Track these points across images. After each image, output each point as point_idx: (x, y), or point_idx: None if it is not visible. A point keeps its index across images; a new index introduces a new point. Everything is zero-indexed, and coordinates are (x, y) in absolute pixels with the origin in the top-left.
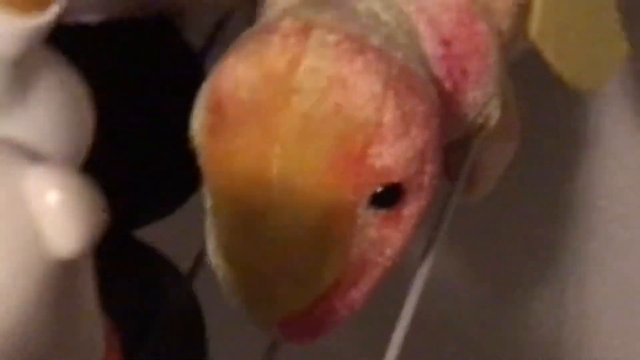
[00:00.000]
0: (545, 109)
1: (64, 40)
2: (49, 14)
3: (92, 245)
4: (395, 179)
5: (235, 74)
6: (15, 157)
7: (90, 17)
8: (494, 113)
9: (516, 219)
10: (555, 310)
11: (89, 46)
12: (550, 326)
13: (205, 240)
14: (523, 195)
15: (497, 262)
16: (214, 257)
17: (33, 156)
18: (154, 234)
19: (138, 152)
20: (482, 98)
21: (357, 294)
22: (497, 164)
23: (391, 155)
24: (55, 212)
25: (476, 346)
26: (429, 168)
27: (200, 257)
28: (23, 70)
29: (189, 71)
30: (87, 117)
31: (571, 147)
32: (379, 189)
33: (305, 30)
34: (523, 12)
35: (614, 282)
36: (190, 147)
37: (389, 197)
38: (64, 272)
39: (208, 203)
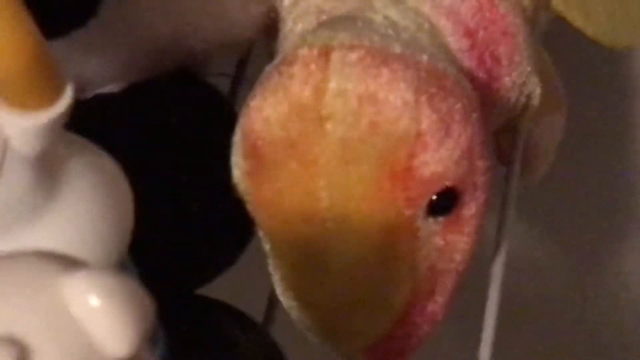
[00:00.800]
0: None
1: (91, 115)
2: (61, 106)
3: (145, 340)
4: (447, 183)
5: (264, 114)
6: (51, 267)
7: (111, 87)
8: (535, 90)
9: (584, 184)
10: None
11: (115, 116)
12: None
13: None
14: (585, 160)
15: (576, 230)
16: (283, 298)
17: (68, 263)
18: (222, 288)
19: (187, 211)
20: (519, 78)
21: (436, 306)
22: (550, 138)
23: (438, 161)
24: (99, 317)
25: (569, 317)
26: (480, 164)
27: (272, 302)
28: (48, 166)
29: (222, 118)
30: (125, 197)
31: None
32: (434, 197)
33: (325, 53)
34: None
35: None
36: (236, 195)
37: (445, 202)
38: None
39: (266, 246)
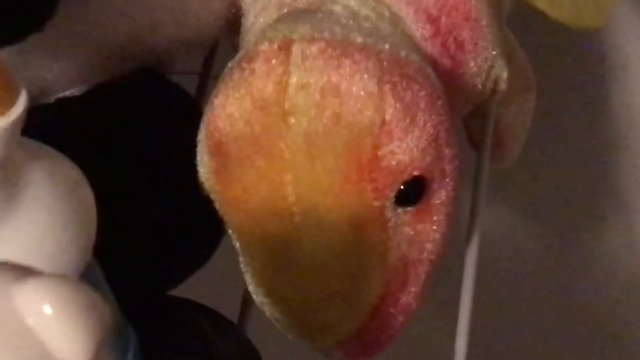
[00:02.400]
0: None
1: (53, 120)
2: (14, 113)
3: (102, 347)
4: (415, 172)
5: (227, 111)
6: (3, 276)
7: (73, 90)
8: (502, 74)
9: (553, 163)
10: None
11: (78, 119)
12: (621, 256)
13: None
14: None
15: (551, 211)
16: (256, 296)
17: (21, 272)
18: (196, 289)
19: (155, 212)
20: (485, 63)
21: (409, 296)
22: (521, 121)
23: (404, 150)
24: (53, 325)
25: (546, 298)
26: (448, 151)
27: (247, 300)
28: (6, 173)
29: (188, 117)
30: (87, 202)
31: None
32: (402, 187)
33: (285, 47)
34: None
35: None
36: (203, 194)
37: (414, 192)
38: None
39: (236, 244)
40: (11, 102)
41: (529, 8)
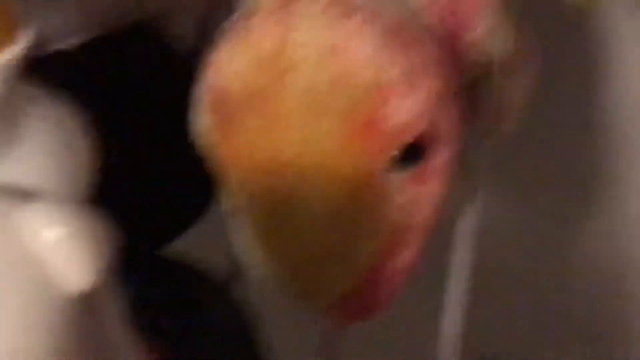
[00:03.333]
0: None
1: (51, 69)
2: (14, 50)
3: (104, 276)
4: (414, 134)
5: (226, 69)
6: (6, 199)
7: (70, 41)
8: (502, 46)
9: (550, 145)
10: (617, 226)
11: (75, 70)
12: (612, 241)
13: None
14: (553, 121)
15: (544, 194)
16: (250, 255)
17: (26, 196)
18: (183, 248)
19: (145, 170)
20: (482, 35)
21: (406, 258)
22: (521, 93)
23: (403, 112)
24: (57, 249)
25: (537, 280)
26: (446, 115)
27: (235, 263)
28: (5, 110)
29: (181, 75)
30: (84, 148)
31: (591, 66)
32: (401, 148)
33: (287, 4)
34: None
35: None
36: (198, 153)
37: (412, 154)
38: (80, 306)
39: (230, 204)
40: (11, 40)
41: None
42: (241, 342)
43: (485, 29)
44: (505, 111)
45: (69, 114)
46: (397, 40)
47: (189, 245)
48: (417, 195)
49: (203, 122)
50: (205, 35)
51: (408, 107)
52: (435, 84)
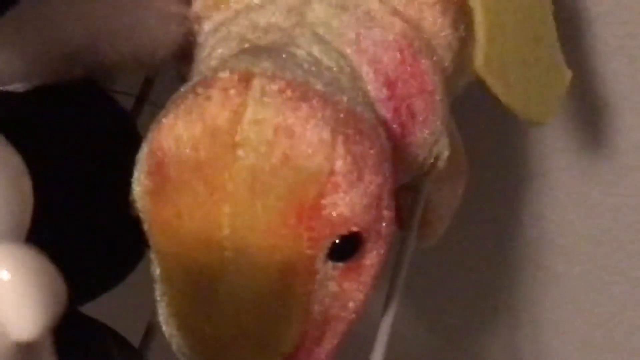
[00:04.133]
0: (486, 143)
1: None
2: None
3: (52, 326)
4: (353, 228)
5: (175, 133)
6: None
7: (15, 86)
8: (444, 152)
9: (462, 260)
10: (510, 353)
11: (16, 114)
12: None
13: (154, 310)
14: (469, 235)
15: (449, 309)
16: (166, 326)
17: None
18: (100, 308)
19: (75, 223)
20: (431, 137)
21: (322, 353)
22: (450, 203)
23: (347, 204)
24: (8, 293)
25: None
26: (386, 214)
27: (151, 328)
28: None
29: (124, 133)
30: (26, 189)
31: (517, 181)
32: (337, 240)
33: (245, 80)
34: (464, 46)
35: (568, 319)
36: (132, 213)
37: (348, 247)
38: (22, 356)
39: (156, 270)
40: None
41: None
42: None
43: (437, 131)
44: (433, 218)
45: (11, 152)
46: (351, 130)
47: (106, 304)
48: (347, 289)
49: (141, 183)
50: (148, 95)
51: (352, 200)
52: (381, 179)
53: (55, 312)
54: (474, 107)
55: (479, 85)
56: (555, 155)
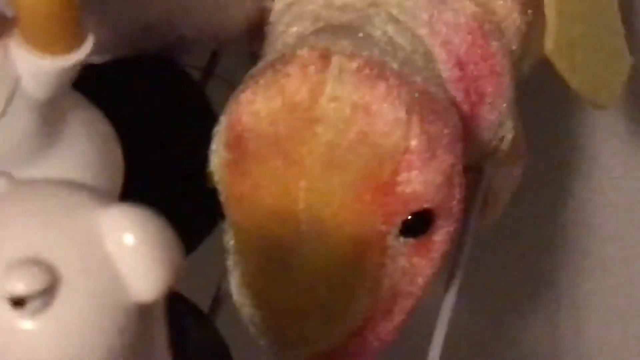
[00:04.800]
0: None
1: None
2: (79, 55)
3: (171, 286)
4: (425, 205)
5: (254, 107)
6: (85, 198)
7: (96, 58)
8: (508, 134)
9: (507, 243)
10: (551, 332)
11: (99, 85)
12: (546, 348)
13: (222, 279)
14: (515, 219)
15: (492, 287)
16: (238, 296)
17: (102, 196)
18: None
19: (151, 191)
20: (498, 119)
21: (390, 326)
22: (509, 185)
23: (420, 182)
24: (133, 255)
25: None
26: (457, 192)
27: (219, 297)
28: (53, 112)
29: (197, 105)
30: (117, 154)
31: (563, 165)
32: (410, 217)
33: (324, 57)
34: (531, 30)
35: (611, 304)
36: (207, 184)
37: (419, 224)
38: (138, 317)
39: (231, 240)
40: (77, 44)
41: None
42: None
43: (504, 113)
44: (492, 199)
45: (103, 120)
46: (425, 109)
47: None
48: (417, 265)
49: (219, 155)
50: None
51: (426, 177)
52: (454, 158)
53: (175, 273)
54: (528, 90)
55: (542, 68)
56: (604, 140)
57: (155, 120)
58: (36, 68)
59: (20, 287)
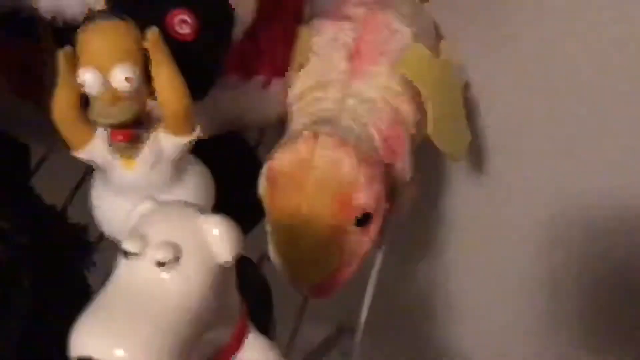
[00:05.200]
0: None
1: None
2: (193, 136)
3: (237, 255)
4: (367, 210)
5: (281, 160)
6: (192, 209)
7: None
8: (408, 174)
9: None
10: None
11: (202, 150)
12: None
13: (264, 246)
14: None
15: (401, 252)
16: (273, 256)
17: (200, 208)
18: None
19: (231, 206)
20: (403, 166)
21: (350, 270)
22: (408, 200)
23: (365, 199)
24: (218, 239)
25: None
26: (382, 205)
27: (262, 257)
28: (179, 164)
29: (253, 160)
30: (211, 186)
31: (435, 185)
32: (359, 217)
33: (315, 136)
34: (421, 121)
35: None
36: (258, 199)
37: (364, 220)
38: (223, 271)
39: (268, 227)
40: (192, 130)
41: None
42: (265, 301)
43: (406, 164)
44: (402, 206)
45: (204, 168)
46: (366, 162)
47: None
48: (362, 241)
49: (263, 186)
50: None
51: (368, 197)
52: (381, 186)
53: (240, 248)
54: (419, 151)
55: (426, 141)
56: (454, 171)
57: (232, 167)
58: (172, 143)
59: (161, 255)
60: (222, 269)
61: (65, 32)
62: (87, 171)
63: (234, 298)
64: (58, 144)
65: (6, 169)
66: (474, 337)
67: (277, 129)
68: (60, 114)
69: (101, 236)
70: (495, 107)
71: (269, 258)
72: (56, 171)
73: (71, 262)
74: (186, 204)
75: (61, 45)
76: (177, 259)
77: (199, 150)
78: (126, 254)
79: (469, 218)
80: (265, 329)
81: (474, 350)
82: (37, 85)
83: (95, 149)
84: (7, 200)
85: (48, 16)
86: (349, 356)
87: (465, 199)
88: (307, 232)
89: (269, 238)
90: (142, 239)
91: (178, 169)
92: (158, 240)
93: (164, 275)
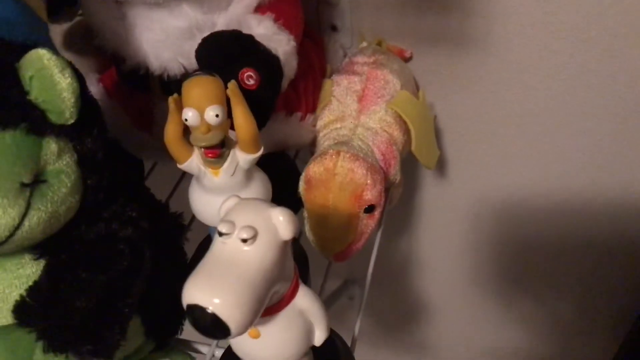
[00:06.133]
0: (406, 176)
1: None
2: (259, 153)
3: (297, 235)
4: (373, 202)
5: (314, 169)
6: (266, 204)
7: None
8: (398, 178)
9: (397, 210)
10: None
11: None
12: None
13: (302, 226)
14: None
15: (395, 231)
16: (308, 233)
17: (270, 204)
18: None
19: (281, 200)
20: (395, 173)
21: (361, 243)
22: (397, 195)
23: (371, 195)
24: (282, 224)
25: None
26: (383, 199)
27: (300, 233)
28: (249, 173)
29: (294, 168)
30: (269, 187)
31: (414, 181)
32: (367, 206)
33: (337, 153)
34: (407, 140)
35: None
36: (298, 195)
37: (370, 209)
38: (284, 245)
39: (305, 213)
40: (258, 149)
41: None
42: (304, 264)
43: (397, 171)
44: (393, 199)
45: (264, 174)
46: (372, 170)
47: None
48: (369, 223)
49: (301, 186)
50: (297, 155)
51: (373, 194)
52: (381, 187)
53: (298, 229)
54: (404, 162)
55: (410, 155)
56: (426, 174)
57: (281, 174)
58: (244, 158)
59: (245, 234)
60: (285, 243)
61: (168, 84)
62: (181, 178)
63: (291, 262)
64: (164, 158)
65: (130, 175)
66: (439, 288)
67: (309, 148)
68: (170, 139)
69: (191, 221)
70: (453, 132)
71: (304, 233)
72: (160, 177)
73: (173, 239)
74: (258, 199)
75: (165, 93)
76: (255, 237)
77: (261, 162)
78: (220, 234)
79: (432, 206)
80: (305, 283)
81: (440, 297)
82: (149, 120)
83: (192, 162)
84: (133, 197)
85: (157, 73)
86: (354, 299)
87: (430, 194)
88: (332, 217)
89: (305, 221)
90: (231, 223)
91: (248, 175)
92: (242, 224)
93: (246, 248)
